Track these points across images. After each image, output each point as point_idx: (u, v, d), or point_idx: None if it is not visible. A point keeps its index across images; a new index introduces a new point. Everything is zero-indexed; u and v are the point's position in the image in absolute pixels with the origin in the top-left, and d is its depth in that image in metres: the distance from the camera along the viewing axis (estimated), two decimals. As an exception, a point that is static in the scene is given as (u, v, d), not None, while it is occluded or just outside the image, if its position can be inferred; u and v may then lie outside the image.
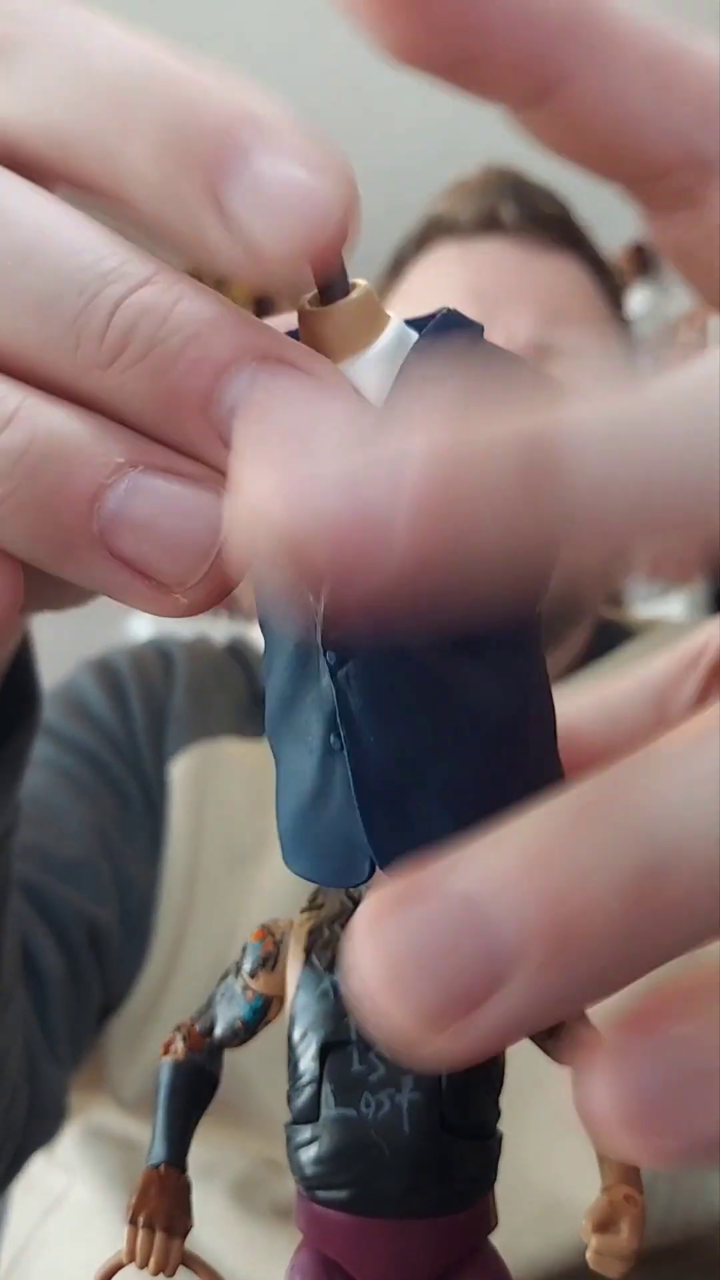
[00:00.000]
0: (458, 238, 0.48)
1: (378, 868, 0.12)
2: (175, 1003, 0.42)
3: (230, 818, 0.44)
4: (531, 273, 0.46)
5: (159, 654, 0.51)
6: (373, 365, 0.12)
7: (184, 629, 2.40)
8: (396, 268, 0.51)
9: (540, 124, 0.11)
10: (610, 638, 0.50)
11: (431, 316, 0.12)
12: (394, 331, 0.12)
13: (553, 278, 0.47)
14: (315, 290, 0.12)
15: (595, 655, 0.49)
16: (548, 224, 0.48)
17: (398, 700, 0.12)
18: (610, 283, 0.51)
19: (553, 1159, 0.34)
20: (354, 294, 0.12)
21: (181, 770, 0.45)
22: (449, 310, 0.13)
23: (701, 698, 0.14)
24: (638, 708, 0.14)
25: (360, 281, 0.12)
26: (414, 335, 0.12)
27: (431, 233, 0.49)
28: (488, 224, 0.47)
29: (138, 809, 0.44)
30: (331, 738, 0.12)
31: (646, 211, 0.12)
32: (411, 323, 0.13)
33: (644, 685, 0.14)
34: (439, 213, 0.49)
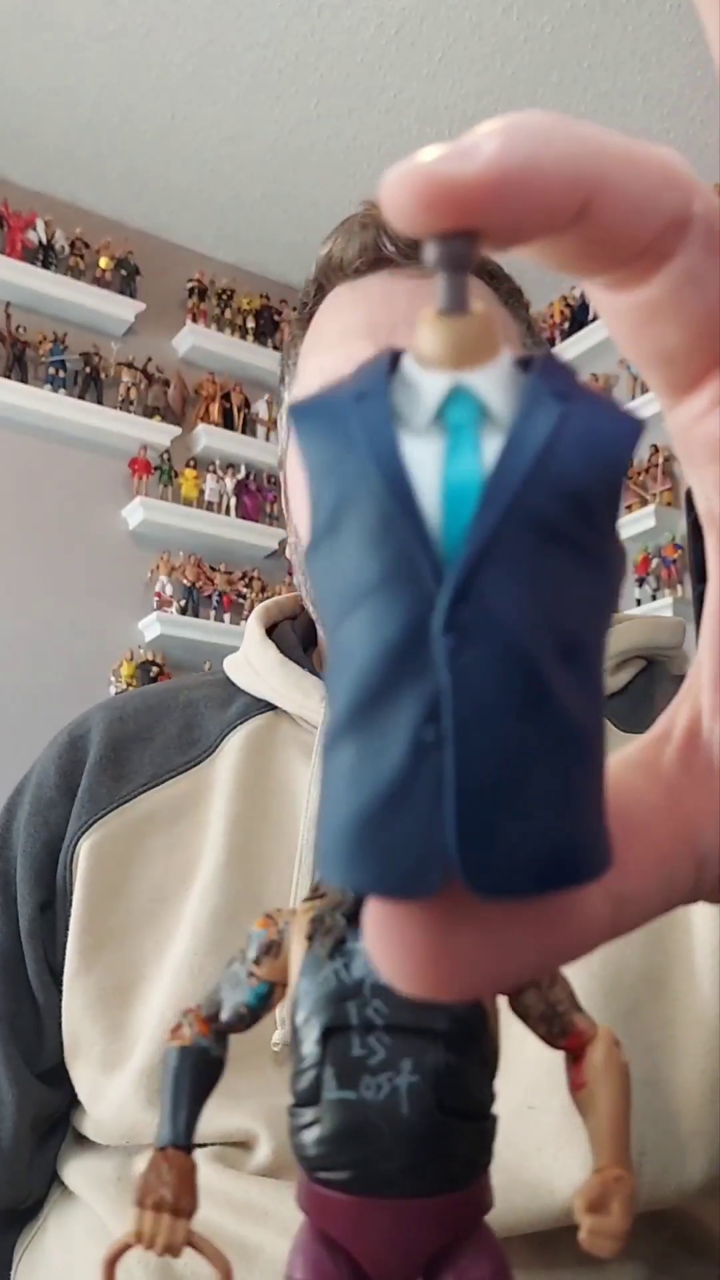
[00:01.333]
0: (349, 277, 0.48)
1: (459, 873, 0.11)
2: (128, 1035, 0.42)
3: (147, 872, 0.44)
4: (423, 298, 0.45)
5: (65, 751, 0.49)
6: (495, 380, 0.12)
7: (184, 630, 2.36)
8: (302, 313, 0.50)
9: (565, 241, 0.12)
10: None
11: (532, 357, 0.13)
12: (509, 357, 0.13)
13: (483, 293, 0.47)
14: (442, 304, 0.12)
15: None
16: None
17: (510, 697, 0.11)
18: (509, 287, 0.50)
19: (532, 1135, 0.34)
20: (478, 310, 0.12)
21: (87, 850, 0.44)
22: (550, 353, 0.13)
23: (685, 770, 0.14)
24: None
25: (481, 305, 0.13)
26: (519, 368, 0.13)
27: (326, 277, 0.49)
28: (372, 260, 0.47)
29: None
30: (429, 733, 0.11)
31: (620, 290, 0.13)
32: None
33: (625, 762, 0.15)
34: (326, 256, 0.49)
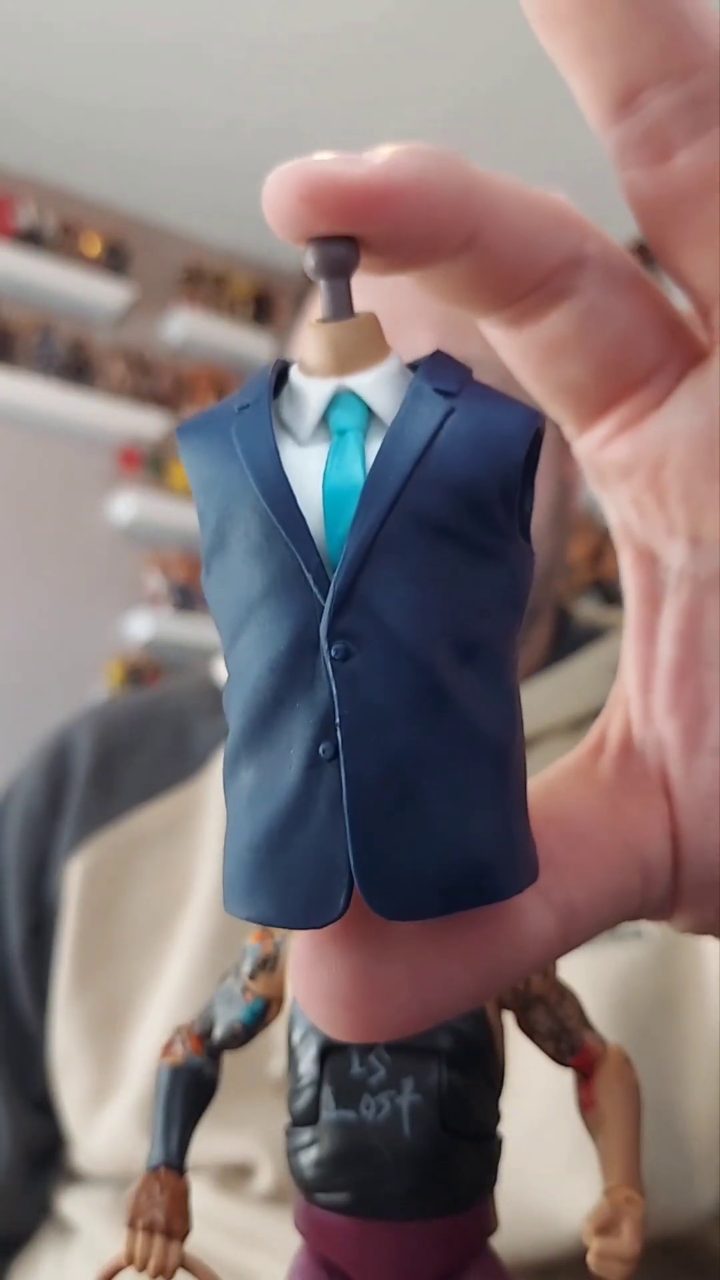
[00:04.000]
0: None
1: (357, 893, 0.11)
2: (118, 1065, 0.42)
3: (141, 894, 0.43)
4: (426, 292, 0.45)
5: (51, 764, 0.47)
6: (381, 383, 0.12)
7: (177, 629, 2.36)
8: (299, 303, 0.49)
9: (456, 273, 0.12)
10: (573, 637, 0.48)
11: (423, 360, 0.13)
12: (396, 360, 0.13)
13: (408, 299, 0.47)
14: (324, 312, 0.12)
15: (559, 655, 0.46)
16: None
17: (403, 702, 0.11)
18: None
19: (542, 1160, 0.34)
20: (362, 315, 0.12)
21: (79, 870, 0.43)
22: (439, 351, 0.13)
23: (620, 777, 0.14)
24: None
25: (368, 311, 0.13)
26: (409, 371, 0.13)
27: None
28: None
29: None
30: (322, 746, 0.11)
31: (518, 328, 0.13)
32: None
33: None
34: None
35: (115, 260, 2.26)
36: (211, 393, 2.35)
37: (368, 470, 0.11)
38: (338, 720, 0.11)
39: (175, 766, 0.46)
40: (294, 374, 0.12)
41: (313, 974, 0.12)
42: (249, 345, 2.37)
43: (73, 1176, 0.43)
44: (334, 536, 0.11)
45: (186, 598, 2.22)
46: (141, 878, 0.43)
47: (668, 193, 0.12)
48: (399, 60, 1.96)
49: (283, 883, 0.11)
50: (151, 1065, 0.39)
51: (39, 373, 2.14)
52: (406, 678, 0.11)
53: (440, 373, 0.12)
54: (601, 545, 2.44)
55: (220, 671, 0.51)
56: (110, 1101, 0.40)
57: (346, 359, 0.12)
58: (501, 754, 0.11)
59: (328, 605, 0.11)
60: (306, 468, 0.11)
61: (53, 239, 2.20)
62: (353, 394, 0.12)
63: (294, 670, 0.11)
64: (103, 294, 2.21)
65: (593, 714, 0.47)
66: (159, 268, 2.34)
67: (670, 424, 0.13)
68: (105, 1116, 0.40)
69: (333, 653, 0.11)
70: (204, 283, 2.37)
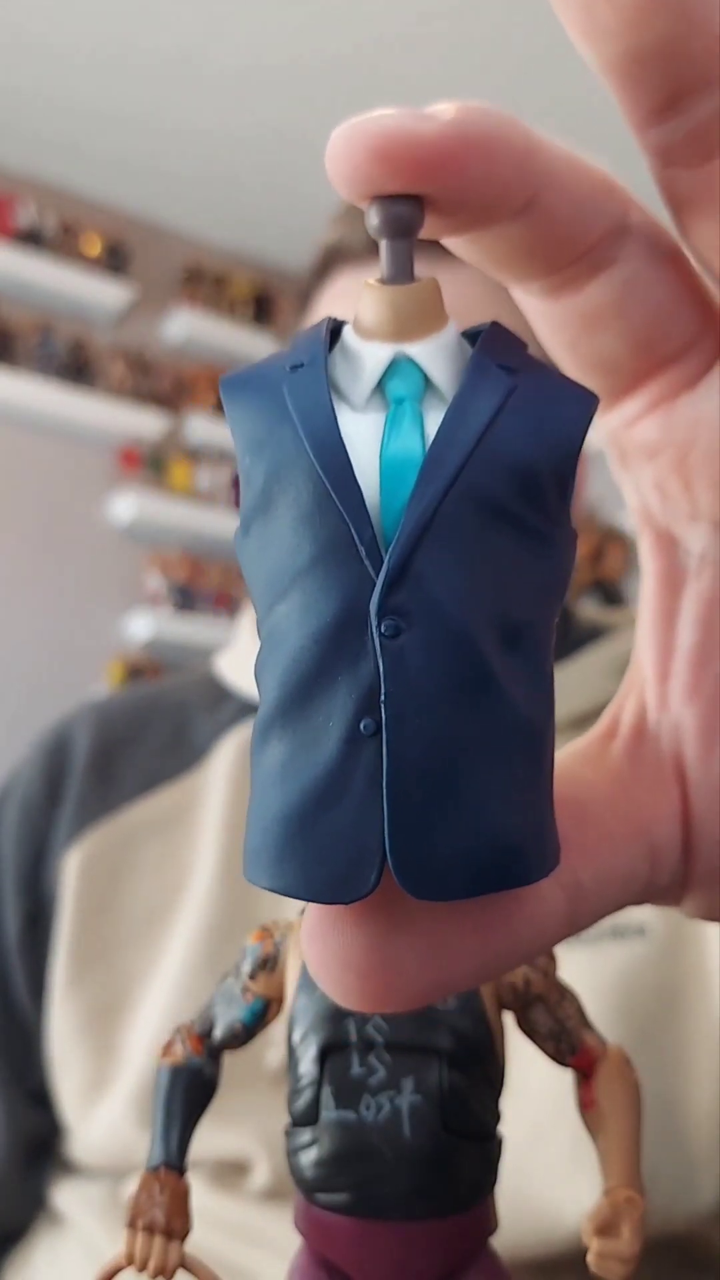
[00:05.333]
0: (353, 264, 0.46)
1: (390, 871, 0.11)
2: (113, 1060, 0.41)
3: (138, 886, 0.43)
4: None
5: (50, 756, 0.47)
6: (439, 352, 0.12)
7: (177, 629, 2.36)
8: (304, 299, 0.49)
9: (508, 238, 0.12)
10: (575, 636, 0.48)
11: (481, 329, 0.13)
12: (454, 329, 0.12)
13: (453, 288, 0.45)
14: (385, 273, 0.12)
15: (561, 655, 0.45)
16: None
17: (449, 683, 0.11)
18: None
19: (542, 1159, 0.34)
20: (423, 280, 0.12)
21: (76, 862, 0.43)
22: (496, 323, 0.13)
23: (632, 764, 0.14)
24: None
25: (430, 276, 0.12)
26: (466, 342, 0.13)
27: (329, 262, 0.48)
28: (379, 247, 0.46)
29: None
30: (364, 723, 0.11)
31: (557, 297, 0.13)
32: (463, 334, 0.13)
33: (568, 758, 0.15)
34: (332, 241, 0.47)
35: (115, 260, 2.26)
36: (211, 393, 2.35)
37: (427, 444, 0.11)
38: (383, 697, 0.11)
39: (174, 759, 0.46)
40: (348, 335, 0.12)
41: (327, 942, 0.12)
42: (249, 345, 2.37)
43: (68, 1168, 0.43)
44: (389, 510, 0.11)
45: (186, 598, 2.22)
46: (139, 869, 0.43)
47: (708, 193, 0.12)
48: (403, 59, 1.96)
49: (313, 856, 0.11)
50: (149, 1057, 0.40)
51: (39, 373, 2.14)
52: (454, 659, 0.11)
53: (501, 347, 0.12)
54: (601, 545, 2.44)
55: (222, 666, 0.50)
56: (107, 1093, 0.40)
57: (405, 324, 0.12)
58: (538, 740, 0.11)
59: (380, 580, 0.11)
60: (363, 435, 0.11)
61: (53, 239, 2.20)
62: (411, 361, 0.12)
63: (339, 643, 0.11)
64: (103, 294, 2.21)
65: (594, 712, 0.47)
66: (159, 268, 2.34)
67: (701, 407, 0.13)
68: (102, 1108, 0.40)
69: (383, 629, 0.11)
70: (204, 283, 2.37)
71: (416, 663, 0.11)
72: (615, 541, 2.42)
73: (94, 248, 2.24)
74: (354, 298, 0.48)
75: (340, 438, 0.11)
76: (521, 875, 0.11)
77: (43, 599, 2.11)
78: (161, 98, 2.06)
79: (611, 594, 2.40)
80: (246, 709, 0.47)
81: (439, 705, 0.11)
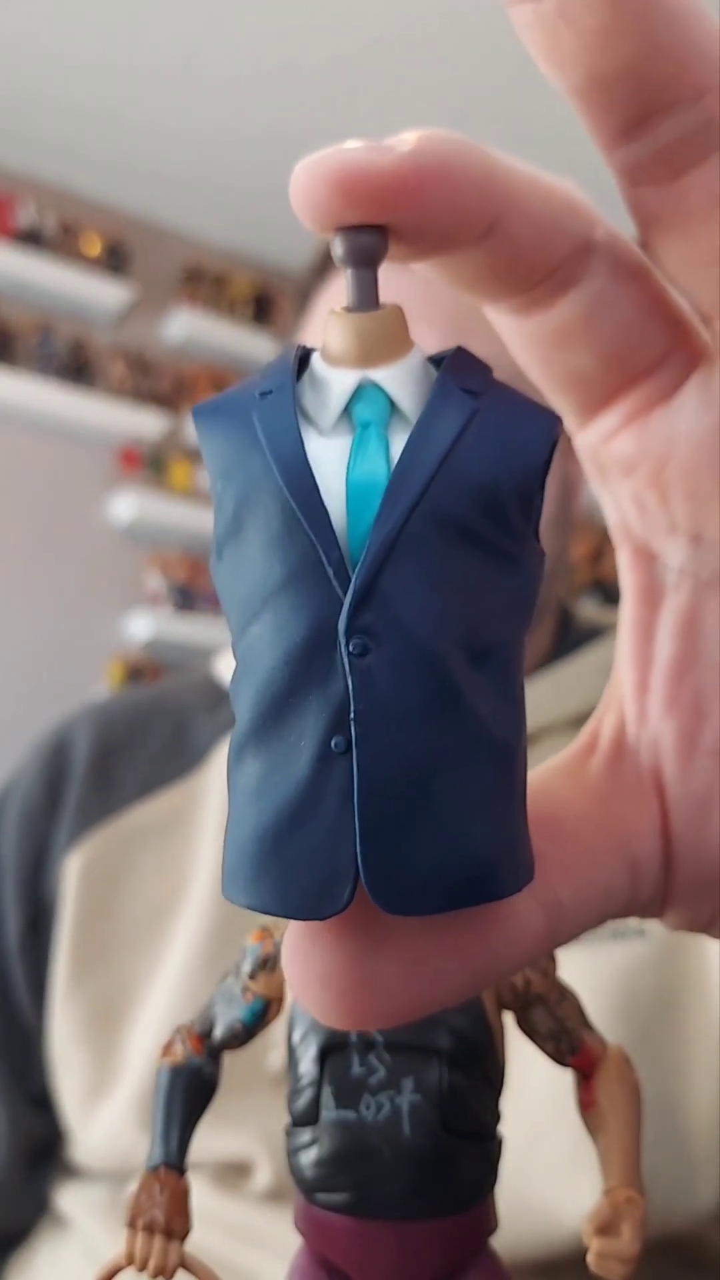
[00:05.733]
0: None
1: (362, 890, 0.11)
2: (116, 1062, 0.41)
3: (139, 889, 0.43)
4: (431, 288, 0.44)
5: (50, 759, 0.47)
6: (404, 377, 0.12)
7: (177, 629, 2.36)
8: (303, 300, 0.49)
9: (473, 259, 0.13)
10: (574, 636, 0.48)
11: (445, 354, 0.13)
12: (419, 354, 0.12)
13: (451, 293, 0.45)
14: (350, 301, 0.12)
15: (560, 654, 0.46)
16: None
17: (418, 701, 0.11)
18: None
19: (542, 1158, 0.34)
20: (387, 307, 0.12)
21: (77, 866, 0.43)
22: (460, 348, 0.13)
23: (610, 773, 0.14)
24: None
25: (394, 303, 0.13)
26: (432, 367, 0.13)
27: (328, 262, 0.47)
28: None
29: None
30: (335, 740, 0.11)
31: (527, 315, 0.13)
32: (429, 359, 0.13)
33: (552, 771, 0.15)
34: (324, 245, 0.49)
35: (115, 260, 2.26)
36: (211, 392, 2.35)
37: (392, 466, 0.11)
38: (353, 715, 0.11)
39: (173, 762, 0.46)
40: (316, 362, 0.12)
41: (307, 961, 0.12)
42: (249, 345, 2.37)
43: (70, 1171, 0.43)
44: (356, 531, 0.11)
45: (186, 598, 2.22)
46: (139, 872, 0.43)
47: (676, 211, 0.12)
48: (401, 59, 1.96)
49: (287, 873, 0.11)
50: (150, 1060, 0.40)
51: (39, 373, 2.14)
52: (421, 677, 0.11)
53: (465, 371, 0.12)
54: (601, 545, 2.44)
55: (222, 668, 0.50)
56: (108, 1096, 0.40)
57: (371, 350, 0.12)
58: (507, 756, 0.11)
59: (348, 600, 0.11)
60: (329, 459, 0.11)
61: (53, 239, 2.20)
62: (376, 386, 0.12)
63: (309, 663, 0.11)
64: (103, 294, 2.21)
65: (592, 712, 0.47)
66: (159, 268, 2.34)
67: (676, 422, 0.13)
68: (103, 1111, 0.40)
69: (350, 648, 0.11)
70: (204, 283, 2.37)
71: (385, 681, 0.11)
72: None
73: (94, 248, 2.24)
74: (329, 294, 0.47)
75: (307, 462, 0.11)
76: (494, 890, 0.11)
77: (42, 599, 2.11)
78: (161, 99, 2.06)
79: (611, 594, 2.41)
80: None
81: (408, 722, 0.11)
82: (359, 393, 0.12)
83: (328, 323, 0.12)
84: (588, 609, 0.51)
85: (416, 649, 0.11)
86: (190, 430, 2.37)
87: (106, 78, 2.01)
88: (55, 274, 2.16)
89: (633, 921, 0.38)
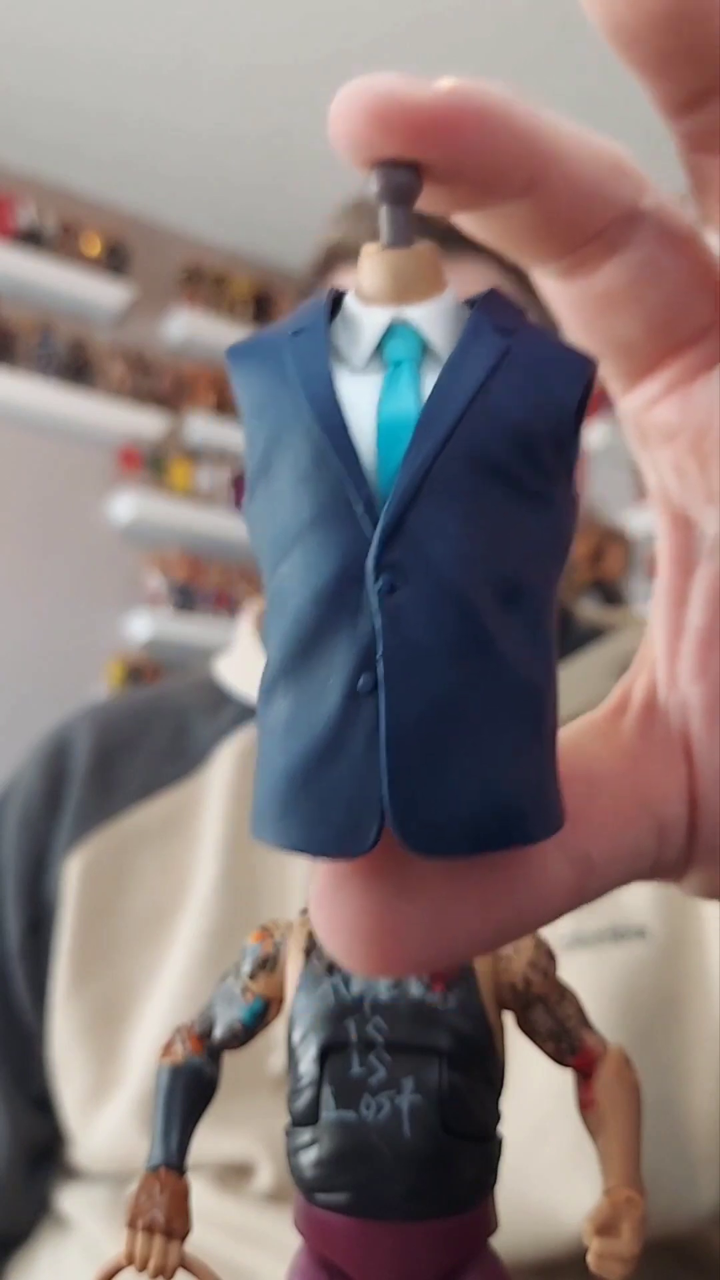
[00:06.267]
0: (354, 263, 0.45)
1: (390, 829, 0.11)
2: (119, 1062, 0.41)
3: (139, 891, 0.43)
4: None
5: (50, 761, 0.47)
6: (437, 315, 0.12)
7: (177, 628, 2.36)
8: (304, 298, 0.50)
9: (518, 218, 0.13)
10: (575, 636, 0.48)
11: (479, 296, 0.13)
12: (452, 294, 0.12)
13: (460, 287, 0.45)
14: (384, 238, 0.12)
15: (561, 654, 0.46)
16: (445, 233, 0.45)
17: (446, 640, 0.11)
18: (522, 275, 0.48)
19: (543, 1160, 0.34)
20: (421, 245, 0.12)
21: (77, 868, 0.43)
22: (495, 289, 0.13)
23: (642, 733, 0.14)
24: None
25: (428, 241, 0.13)
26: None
27: (331, 260, 0.47)
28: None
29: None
30: (362, 679, 0.11)
31: (572, 278, 0.13)
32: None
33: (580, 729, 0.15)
34: (335, 239, 0.47)
35: (115, 260, 2.26)
36: (212, 392, 2.35)
37: (422, 404, 0.11)
38: (379, 654, 0.11)
39: (173, 764, 0.46)
40: (349, 301, 0.12)
41: (334, 907, 0.12)
42: (249, 345, 2.36)
43: (71, 1173, 0.43)
44: (385, 469, 0.11)
45: (186, 597, 2.22)
46: (139, 874, 0.43)
47: None
48: (401, 57, 1.96)
49: (315, 813, 0.11)
50: (151, 1062, 0.40)
51: (39, 373, 2.14)
52: (450, 616, 0.11)
53: (498, 311, 0.12)
54: (602, 545, 2.44)
55: (222, 669, 0.50)
56: (109, 1098, 0.40)
57: (405, 288, 0.12)
58: (537, 700, 0.11)
59: (376, 537, 0.11)
60: (360, 397, 0.11)
61: (53, 239, 2.20)
62: (409, 325, 0.12)
63: (338, 601, 0.11)
64: (103, 294, 2.21)
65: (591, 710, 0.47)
66: (159, 268, 2.34)
67: (717, 391, 0.13)
68: (104, 1113, 0.40)
69: (378, 586, 0.11)
70: (204, 283, 2.37)
71: (413, 619, 0.11)
72: (615, 542, 2.42)
73: (94, 248, 2.24)
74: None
75: (337, 399, 0.11)
76: (522, 834, 0.11)
77: (42, 599, 2.11)
78: (161, 98, 2.06)
79: (611, 594, 2.40)
80: (246, 713, 0.47)
81: (436, 662, 0.11)
82: (391, 331, 0.12)
83: (361, 262, 0.12)
84: (588, 609, 0.51)
85: (445, 587, 0.11)
86: (190, 430, 2.37)
87: (106, 76, 2.01)
88: (55, 274, 2.16)
89: (633, 923, 0.38)
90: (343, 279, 0.47)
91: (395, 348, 0.12)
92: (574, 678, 0.44)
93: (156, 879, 0.43)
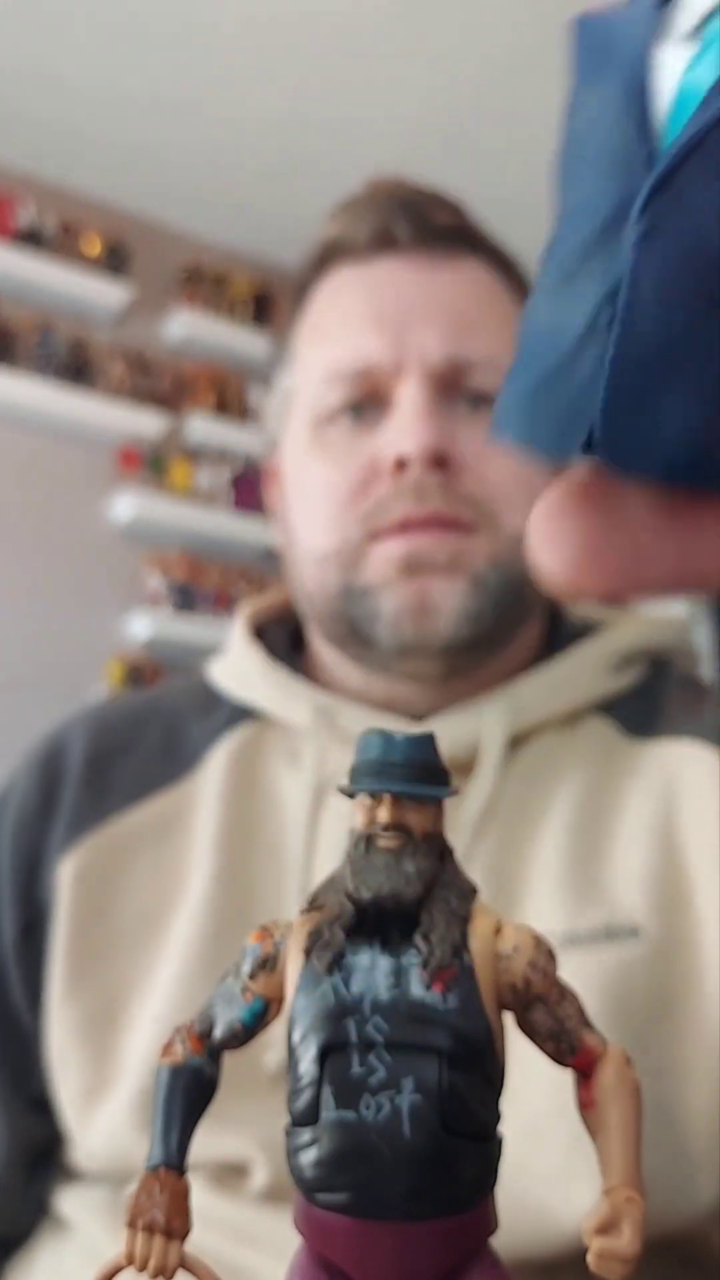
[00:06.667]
0: (354, 260, 0.45)
1: (604, 472, 0.12)
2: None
3: (134, 893, 0.43)
4: (433, 286, 0.44)
5: (45, 762, 0.47)
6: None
7: (177, 628, 2.35)
8: (301, 295, 0.48)
9: None
10: (566, 632, 0.47)
11: None
12: None
13: (455, 288, 0.44)
14: None
15: (551, 650, 0.46)
16: (443, 234, 0.45)
17: (685, 290, 0.12)
18: (517, 277, 0.47)
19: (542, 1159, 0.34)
20: None
21: (71, 870, 0.43)
22: None
23: None
24: None
25: None
26: None
27: (328, 257, 0.47)
28: (382, 243, 0.45)
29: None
30: (604, 314, 0.12)
31: None
32: None
33: None
34: (332, 236, 0.47)
35: (115, 260, 2.26)
36: (211, 392, 2.35)
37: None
38: (624, 294, 0.12)
39: (167, 765, 0.46)
40: None
41: (551, 527, 0.13)
42: (249, 345, 2.37)
43: (70, 1174, 0.43)
44: (673, 130, 0.12)
45: (186, 597, 2.22)
46: (133, 876, 0.43)
47: None
48: (401, 55, 1.96)
49: (542, 418, 0.13)
50: (147, 1062, 0.39)
51: (39, 372, 2.14)
52: (694, 267, 0.12)
53: None
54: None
55: (216, 672, 0.50)
56: (106, 1098, 0.40)
57: None
58: None
59: (645, 188, 0.12)
60: (670, 65, 0.12)
61: (53, 239, 2.20)
62: None
63: (603, 239, 0.12)
64: (102, 294, 2.21)
65: (586, 708, 0.47)
66: (159, 267, 2.34)
67: None
68: (101, 1114, 0.40)
69: (638, 230, 0.12)
70: (204, 282, 2.37)
71: (659, 265, 0.12)
72: None
73: (94, 248, 2.24)
74: (350, 296, 0.47)
75: (645, 64, 0.13)
76: (712, 477, 0.12)
77: (42, 599, 2.11)
78: (161, 88, 2.06)
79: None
80: (239, 714, 0.46)
81: (670, 306, 0.12)
82: (717, 11, 0.13)
83: None
84: (579, 606, 0.50)
85: (696, 241, 0.12)
86: (190, 430, 2.36)
87: (107, 72, 2.01)
88: (55, 274, 2.16)
89: (626, 922, 0.38)
90: (339, 276, 0.47)
91: (716, 26, 0.13)
92: (564, 675, 0.44)
93: (150, 881, 0.43)
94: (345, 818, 0.41)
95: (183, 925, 0.41)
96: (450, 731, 0.41)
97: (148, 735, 0.47)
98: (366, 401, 0.43)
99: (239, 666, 0.48)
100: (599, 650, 0.45)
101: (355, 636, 0.43)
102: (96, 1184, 0.41)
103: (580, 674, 0.44)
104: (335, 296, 0.46)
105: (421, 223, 0.45)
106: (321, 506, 0.43)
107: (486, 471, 0.42)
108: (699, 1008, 0.36)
